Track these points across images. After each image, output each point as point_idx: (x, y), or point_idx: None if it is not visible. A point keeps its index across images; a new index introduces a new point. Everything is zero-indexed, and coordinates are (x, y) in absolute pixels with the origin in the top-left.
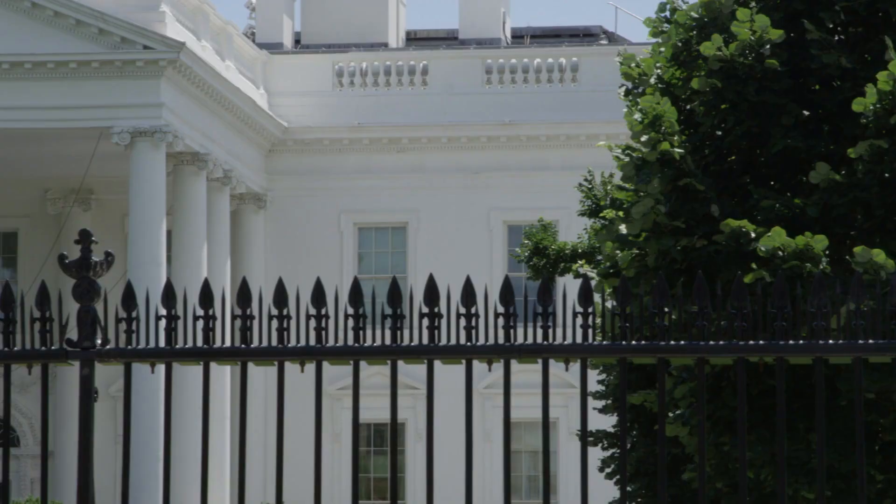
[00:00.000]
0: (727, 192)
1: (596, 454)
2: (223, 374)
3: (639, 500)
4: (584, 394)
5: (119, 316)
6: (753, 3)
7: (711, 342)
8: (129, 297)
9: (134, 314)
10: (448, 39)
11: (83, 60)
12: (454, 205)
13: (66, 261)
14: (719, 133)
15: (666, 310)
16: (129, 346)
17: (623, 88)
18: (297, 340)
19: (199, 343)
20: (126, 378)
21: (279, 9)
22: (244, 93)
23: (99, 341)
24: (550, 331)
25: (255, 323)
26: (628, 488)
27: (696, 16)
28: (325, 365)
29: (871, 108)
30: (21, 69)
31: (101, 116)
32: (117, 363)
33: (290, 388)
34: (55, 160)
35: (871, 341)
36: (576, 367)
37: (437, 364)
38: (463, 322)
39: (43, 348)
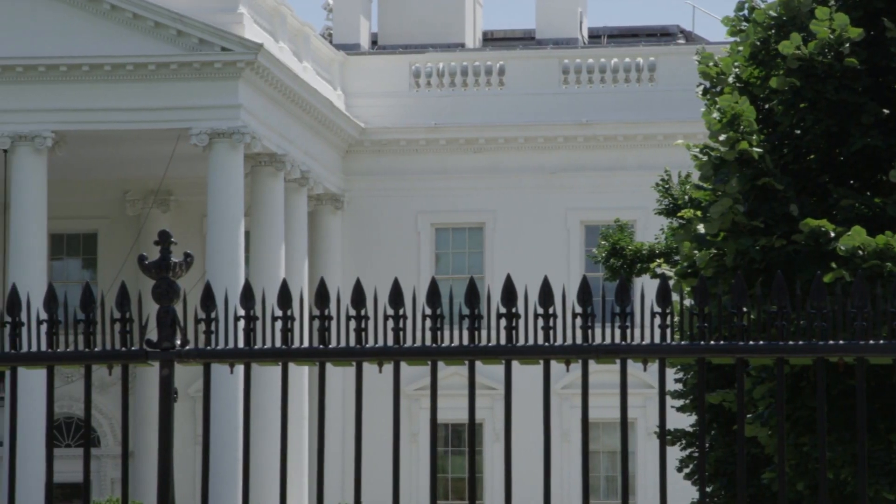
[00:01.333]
0: (806, 191)
1: (674, 454)
2: (301, 375)
3: (717, 500)
4: (662, 394)
5: (198, 317)
6: (832, 2)
7: (791, 342)
8: (208, 298)
9: (213, 315)
10: (525, 39)
11: (162, 62)
12: (531, 205)
13: (146, 262)
14: (798, 132)
15: (745, 310)
16: (209, 347)
17: (701, 87)
18: (375, 341)
19: (278, 343)
20: (205, 378)
21: (356, 10)
22: (321, 94)
23: (178, 342)
24: (628, 331)
25: (333, 323)
26: (707, 489)
27: (774, 14)
28: (403, 365)
29: None
30: (101, 71)
31: (180, 118)
32: (196, 364)
33: (368, 388)
34: (134, 162)
35: None
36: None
37: (515, 364)
38: (541, 322)
39: (123, 349)
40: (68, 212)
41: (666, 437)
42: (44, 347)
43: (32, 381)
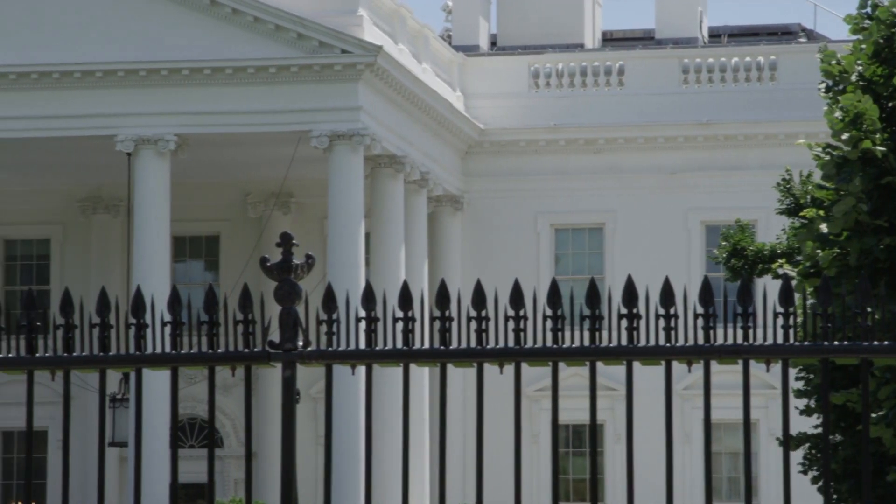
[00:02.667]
0: None
1: (797, 456)
2: (422, 376)
3: (845, 502)
4: (785, 395)
5: (320, 318)
6: None
7: None
8: (329, 300)
9: (334, 316)
10: (644, 39)
11: (282, 65)
12: (651, 205)
13: (268, 264)
14: None
15: (869, 310)
16: (330, 348)
17: (823, 86)
18: (496, 342)
19: (399, 345)
20: (327, 379)
21: (475, 11)
22: (441, 95)
23: (300, 343)
24: (751, 331)
25: (454, 325)
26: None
27: None
28: (524, 366)
29: None
30: (222, 75)
31: (300, 120)
32: (318, 365)
33: (489, 389)
34: (255, 164)
35: None
36: (776, 367)
37: (636, 365)
38: (662, 323)
39: (246, 350)
40: (191, 214)
41: (789, 438)
42: (168, 349)
43: (157, 382)
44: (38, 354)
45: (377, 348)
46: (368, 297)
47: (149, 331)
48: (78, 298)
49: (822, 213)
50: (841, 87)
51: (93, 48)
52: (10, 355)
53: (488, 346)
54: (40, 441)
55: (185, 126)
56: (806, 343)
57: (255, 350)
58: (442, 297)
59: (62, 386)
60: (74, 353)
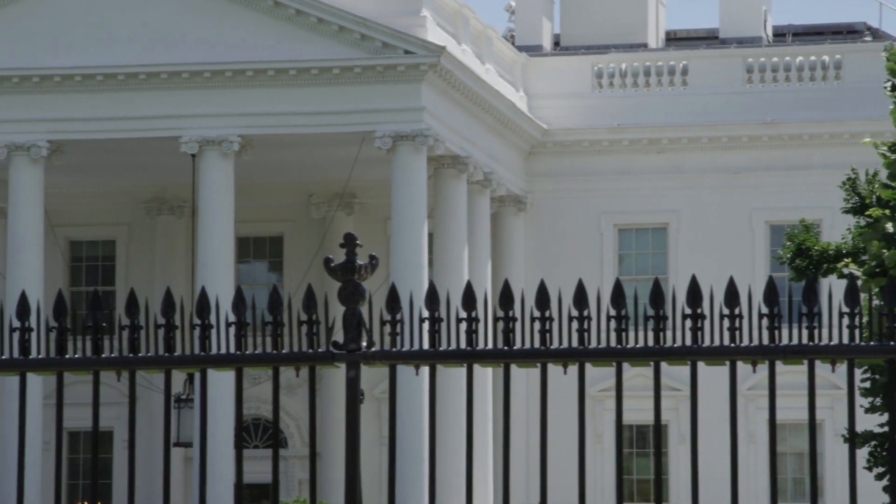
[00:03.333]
0: None
1: (863, 454)
2: (485, 376)
3: None
4: (851, 395)
5: (384, 318)
6: None
7: None
8: (393, 300)
9: (398, 317)
10: (708, 39)
11: (346, 66)
12: (715, 205)
13: (332, 264)
14: None
15: None
16: (394, 349)
17: (889, 84)
18: (560, 342)
19: (463, 345)
20: (391, 380)
21: (538, 11)
22: (504, 95)
23: (364, 344)
24: (816, 331)
25: (518, 325)
26: None
27: None
28: (588, 366)
29: None
30: (286, 76)
31: (364, 121)
32: (382, 365)
33: (552, 389)
34: (319, 165)
35: None
36: (842, 367)
37: (701, 365)
38: (726, 323)
39: (310, 351)
40: (255, 215)
41: (855, 438)
42: (232, 349)
43: (221, 382)
44: (104, 355)
45: (441, 349)
46: (432, 298)
47: (213, 331)
48: (143, 299)
49: (887, 212)
50: None
51: (158, 50)
52: (76, 356)
53: (552, 347)
54: (106, 441)
55: (249, 127)
56: (872, 343)
57: (320, 351)
58: (505, 297)
59: (128, 386)
60: (140, 354)
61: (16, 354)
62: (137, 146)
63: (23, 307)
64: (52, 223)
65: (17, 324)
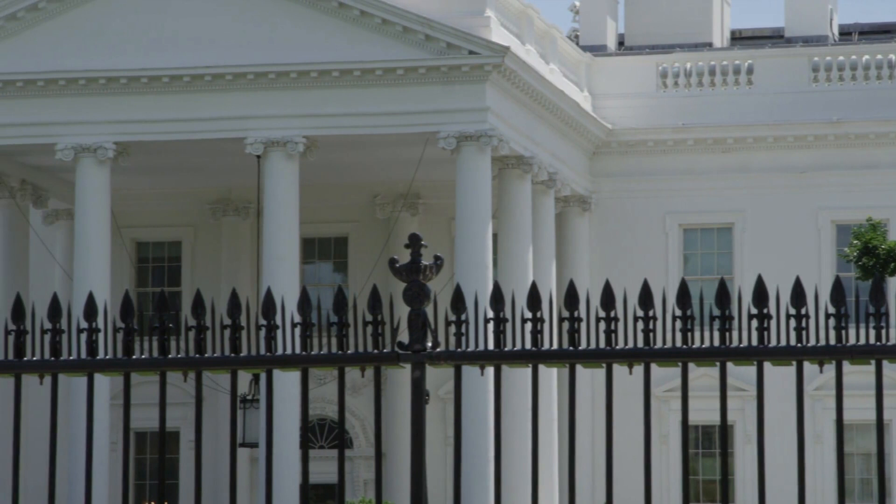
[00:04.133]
0: None
1: None
2: (550, 376)
3: None
4: None
5: (449, 319)
6: None
7: None
8: (458, 301)
9: (463, 317)
10: (773, 38)
11: (410, 66)
12: (781, 205)
13: (397, 265)
14: None
15: None
16: (459, 349)
17: None
18: (625, 342)
19: (528, 345)
20: (456, 380)
21: (603, 11)
22: (568, 95)
23: (429, 344)
24: (883, 331)
25: (583, 325)
26: None
27: None
28: (653, 366)
29: None
30: (350, 76)
31: (428, 122)
32: (447, 366)
33: (617, 389)
34: (383, 165)
35: None
36: None
37: (767, 365)
38: (793, 323)
39: (375, 351)
40: (319, 216)
41: None
42: (298, 350)
43: (287, 383)
44: (170, 356)
45: (506, 349)
46: (497, 298)
47: (279, 332)
48: (209, 300)
49: None
50: None
51: (222, 51)
52: (143, 357)
53: (617, 347)
54: (173, 442)
55: (314, 128)
56: None
57: (385, 351)
58: (570, 297)
59: (194, 387)
60: (206, 355)
61: (83, 355)
62: (203, 147)
63: (90, 308)
64: (119, 224)
65: (84, 325)
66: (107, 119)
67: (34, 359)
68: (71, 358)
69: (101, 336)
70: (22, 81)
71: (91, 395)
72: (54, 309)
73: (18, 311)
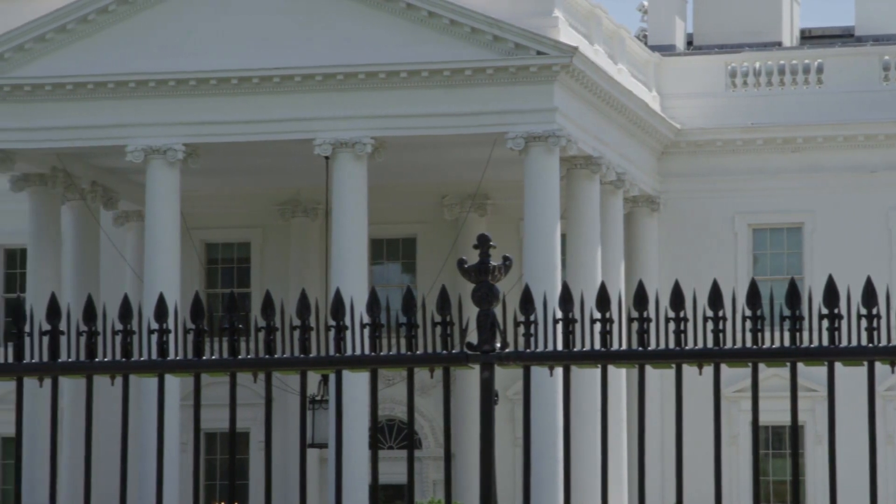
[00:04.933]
0: None
1: None
2: (619, 376)
3: None
4: None
5: (517, 319)
6: None
7: None
8: (527, 301)
9: (532, 318)
10: (844, 37)
11: (478, 67)
12: (851, 204)
13: (465, 265)
14: None
15: None
16: (528, 350)
17: None
18: (695, 343)
19: (597, 346)
20: (525, 381)
21: (671, 11)
22: (636, 95)
23: (498, 345)
24: None
25: (652, 325)
26: None
27: None
28: (723, 367)
29: None
30: (418, 77)
31: (496, 122)
32: (516, 366)
33: (687, 390)
34: (451, 166)
35: None
36: None
37: (838, 366)
38: (864, 323)
39: (444, 352)
40: (388, 217)
41: None
42: (367, 351)
43: (355, 383)
44: (240, 357)
45: (575, 349)
46: (566, 299)
47: (348, 333)
48: (278, 301)
49: None
50: None
51: (291, 53)
52: (213, 358)
53: (687, 347)
54: (243, 442)
55: (382, 129)
56: None
57: (454, 352)
58: (640, 297)
59: (264, 388)
60: (276, 356)
61: (154, 356)
62: (271, 149)
63: (160, 309)
64: (189, 226)
65: (155, 326)
66: (176, 121)
67: (105, 360)
68: (142, 359)
69: (171, 337)
70: (93, 84)
71: (162, 396)
72: (125, 310)
73: (90, 312)
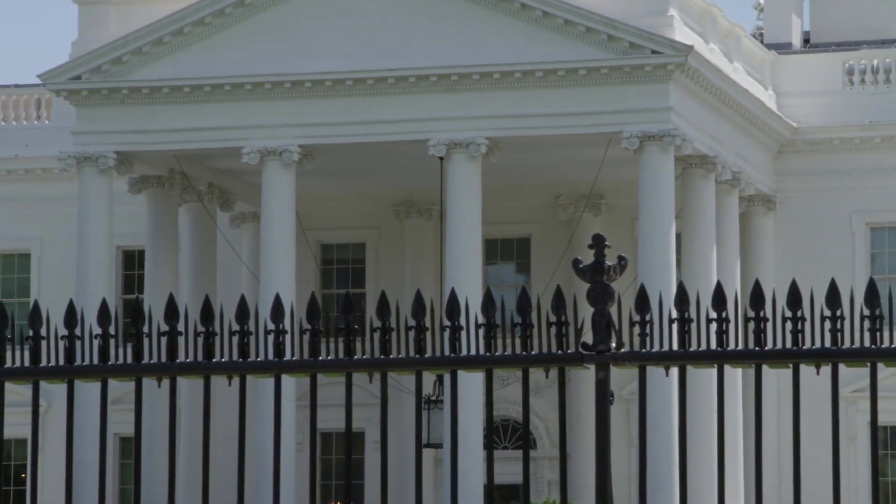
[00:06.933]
0: None
1: None
2: (735, 376)
3: None
4: None
5: (633, 319)
6: None
7: None
8: (642, 301)
9: (648, 317)
10: None
11: (592, 67)
12: None
13: (581, 265)
14: None
15: None
16: (643, 350)
17: None
18: (812, 342)
19: (713, 346)
20: (640, 381)
21: (788, 8)
22: (753, 94)
23: (614, 345)
24: None
25: (769, 325)
26: None
27: None
28: (841, 367)
29: None
30: (532, 77)
31: (610, 122)
32: (631, 367)
33: (804, 390)
34: (565, 166)
35: None
36: None
37: None
38: None
39: (559, 352)
40: (502, 217)
41: None
42: (482, 351)
43: (470, 384)
44: (356, 357)
45: (691, 349)
46: (682, 298)
47: (463, 333)
48: (393, 301)
49: None
50: None
51: (405, 54)
52: (329, 358)
53: (805, 347)
54: (358, 442)
55: (496, 129)
56: None
57: (569, 352)
58: (756, 297)
59: (379, 388)
60: (391, 356)
61: (270, 357)
62: (386, 150)
63: (277, 310)
64: (304, 227)
65: (271, 326)
66: (292, 122)
67: (222, 360)
68: (258, 359)
69: (287, 338)
70: (209, 86)
71: (278, 396)
72: (242, 311)
73: (207, 313)
